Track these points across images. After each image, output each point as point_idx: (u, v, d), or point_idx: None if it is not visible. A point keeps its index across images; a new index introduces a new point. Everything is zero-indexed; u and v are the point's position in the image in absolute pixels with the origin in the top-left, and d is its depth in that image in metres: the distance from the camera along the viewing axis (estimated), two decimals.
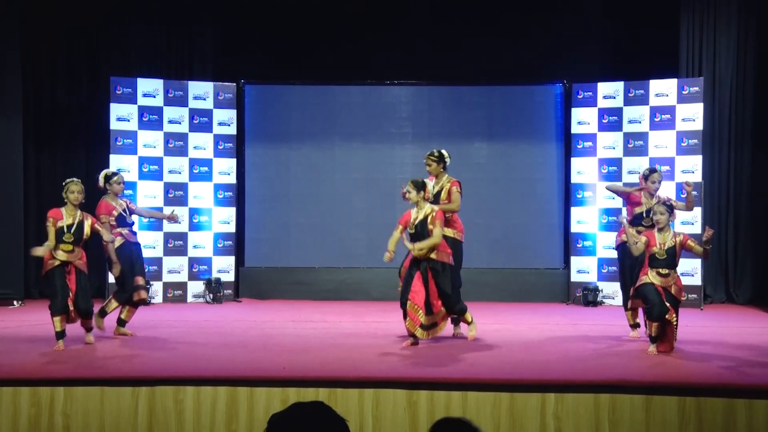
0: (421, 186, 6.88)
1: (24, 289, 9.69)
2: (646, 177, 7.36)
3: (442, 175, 7.38)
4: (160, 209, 9.45)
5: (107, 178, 7.36)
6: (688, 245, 6.71)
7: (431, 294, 6.79)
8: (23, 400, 5.42)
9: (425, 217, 6.80)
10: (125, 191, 7.90)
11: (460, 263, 7.22)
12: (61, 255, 6.66)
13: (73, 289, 6.67)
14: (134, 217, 7.58)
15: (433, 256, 6.78)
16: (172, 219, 7.76)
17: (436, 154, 7.37)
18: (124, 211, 7.34)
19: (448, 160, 7.39)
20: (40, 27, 10.02)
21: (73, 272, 6.72)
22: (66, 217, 6.74)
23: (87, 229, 6.76)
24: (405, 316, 6.81)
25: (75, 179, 6.91)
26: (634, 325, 7.26)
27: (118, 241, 7.17)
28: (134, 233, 7.50)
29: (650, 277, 6.63)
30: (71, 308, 6.65)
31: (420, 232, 6.80)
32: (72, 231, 6.70)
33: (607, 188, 8.18)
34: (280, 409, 5.55)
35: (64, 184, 6.89)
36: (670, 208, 6.82)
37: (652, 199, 7.25)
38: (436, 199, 7.22)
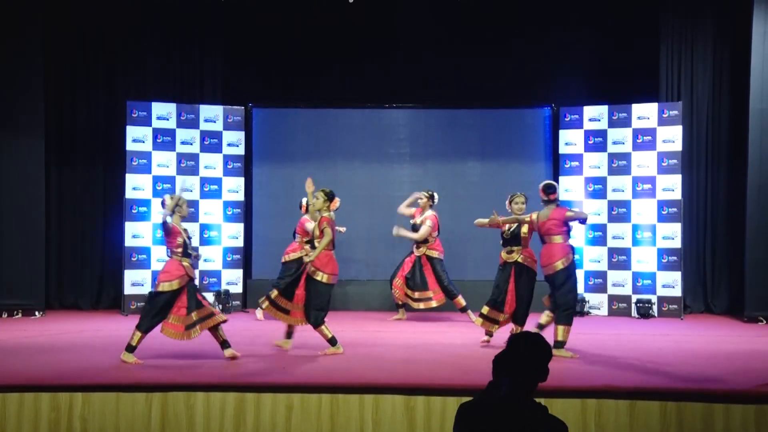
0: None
1: (45, 301, 9.68)
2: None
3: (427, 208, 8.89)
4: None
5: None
6: None
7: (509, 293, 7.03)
8: (44, 405, 5.42)
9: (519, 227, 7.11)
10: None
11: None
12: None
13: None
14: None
15: (520, 259, 7.04)
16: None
17: (428, 193, 8.96)
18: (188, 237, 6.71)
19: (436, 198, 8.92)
20: (60, 53, 10.08)
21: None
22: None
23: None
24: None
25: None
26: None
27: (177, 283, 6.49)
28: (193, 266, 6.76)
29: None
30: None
31: (515, 236, 7.10)
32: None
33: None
34: (285, 414, 5.57)
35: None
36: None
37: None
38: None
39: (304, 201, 9.23)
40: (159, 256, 9.89)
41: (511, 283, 7.01)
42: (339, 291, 10.17)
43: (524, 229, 7.05)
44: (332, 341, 6.79)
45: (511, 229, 7.08)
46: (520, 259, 7.05)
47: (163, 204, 6.82)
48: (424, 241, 9.13)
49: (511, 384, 2.91)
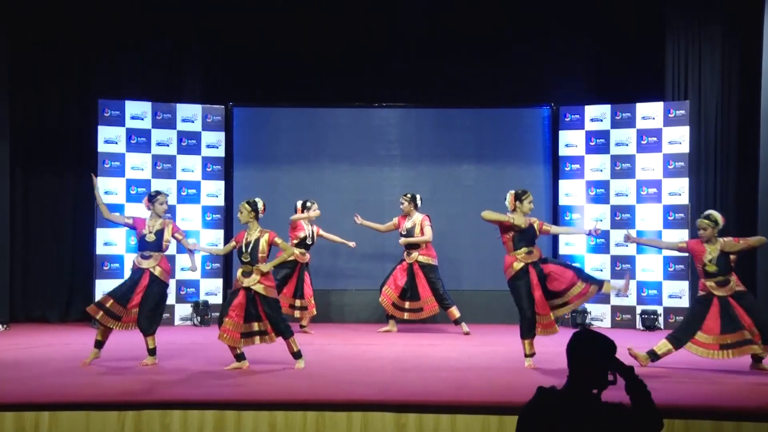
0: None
1: (9, 313, 9.60)
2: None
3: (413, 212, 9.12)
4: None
5: (150, 197, 7.36)
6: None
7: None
8: (7, 425, 5.34)
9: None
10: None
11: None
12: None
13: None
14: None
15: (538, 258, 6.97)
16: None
17: (409, 195, 9.17)
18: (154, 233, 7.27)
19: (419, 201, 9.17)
20: (28, 48, 10.02)
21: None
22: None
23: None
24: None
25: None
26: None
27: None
28: (146, 257, 7.25)
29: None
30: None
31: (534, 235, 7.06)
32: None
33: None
34: None
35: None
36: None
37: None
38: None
39: (299, 204, 9.20)
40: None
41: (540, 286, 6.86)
42: (325, 302, 10.16)
43: (536, 225, 7.03)
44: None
45: (525, 227, 6.97)
46: (538, 259, 6.98)
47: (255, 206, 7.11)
48: (416, 247, 9.11)
49: (570, 380, 3.23)
